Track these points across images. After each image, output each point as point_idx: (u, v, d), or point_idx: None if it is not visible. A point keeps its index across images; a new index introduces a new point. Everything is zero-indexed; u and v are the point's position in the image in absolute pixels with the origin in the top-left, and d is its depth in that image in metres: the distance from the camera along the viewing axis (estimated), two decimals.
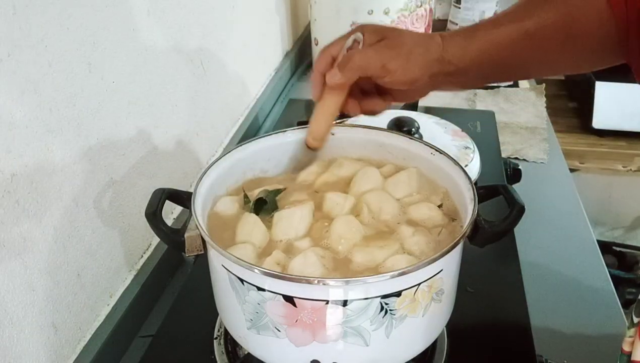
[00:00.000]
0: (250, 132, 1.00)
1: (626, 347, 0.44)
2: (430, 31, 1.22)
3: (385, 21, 1.12)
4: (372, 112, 0.58)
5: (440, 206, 0.53)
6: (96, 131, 0.57)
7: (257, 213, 0.52)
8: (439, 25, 1.43)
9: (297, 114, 1.08)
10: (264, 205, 0.52)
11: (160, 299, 0.68)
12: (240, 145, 0.57)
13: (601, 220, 1.51)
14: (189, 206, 0.48)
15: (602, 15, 0.48)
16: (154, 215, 0.49)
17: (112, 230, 0.61)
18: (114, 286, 0.63)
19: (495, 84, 1.21)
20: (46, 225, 0.50)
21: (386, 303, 0.42)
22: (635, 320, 0.42)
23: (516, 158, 0.96)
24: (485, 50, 0.51)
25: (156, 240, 0.70)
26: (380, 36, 0.53)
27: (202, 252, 0.48)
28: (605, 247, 1.38)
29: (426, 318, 0.45)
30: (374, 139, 0.60)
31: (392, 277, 0.40)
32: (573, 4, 0.49)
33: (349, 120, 0.88)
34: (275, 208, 0.53)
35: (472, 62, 0.52)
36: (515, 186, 0.82)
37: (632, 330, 0.43)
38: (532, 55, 0.52)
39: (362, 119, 0.88)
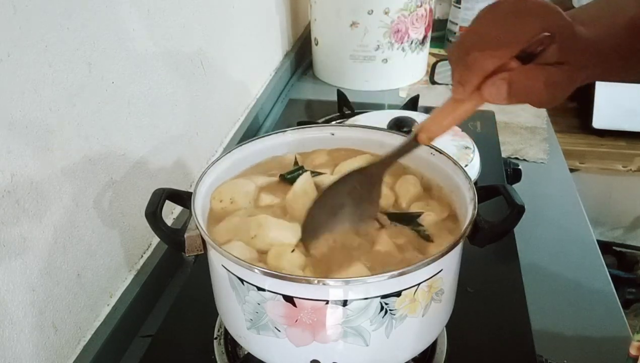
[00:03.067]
0: (250, 132, 1.00)
1: (633, 351, 0.44)
2: (430, 31, 1.22)
3: (385, 21, 1.12)
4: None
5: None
6: (96, 131, 0.57)
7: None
8: (439, 25, 1.43)
9: (297, 114, 1.08)
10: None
11: (160, 299, 0.68)
12: (240, 145, 0.57)
13: (601, 220, 1.51)
14: (189, 206, 0.48)
15: None
16: (154, 215, 0.49)
17: (112, 230, 0.61)
18: (114, 286, 0.63)
19: None
20: (46, 225, 0.50)
21: (386, 303, 0.42)
22: None
23: (516, 158, 0.96)
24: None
25: (156, 240, 0.70)
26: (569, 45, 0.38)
27: (202, 252, 0.48)
28: (605, 247, 1.38)
29: (426, 318, 0.45)
30: (374, 138, 0.60)
31: (392, 277, 0.40)
32: None
33: (351, 120, 0.88)
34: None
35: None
36: (515, 186, 0.82)
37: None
38: None
39: (363, 119, 0.88)
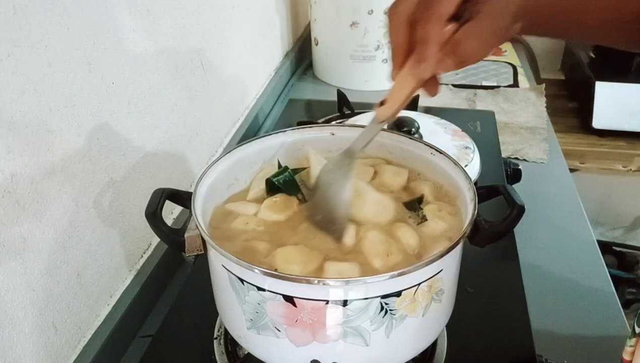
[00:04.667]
0: (250, 132, 1.00)
1: (626, 356, 0.44)
2: None
3: (385, 21, 1.12)
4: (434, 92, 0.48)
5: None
6: (96, 131, 0.57)
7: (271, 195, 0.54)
8: None
9: (297, 114, 1.08)
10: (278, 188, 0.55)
11: (160, 299, 0.68)
12: (240, 145, 0.57)
13: (601, 220, 1.51)
14: (189, 206, 0.48)
15: None
16: (154, 215, 0.49)
17: (112, 230, 0.61)
18: (114, 286, 0.63)
19: (495, 84, 1.21)
20: (46, 225, 0.50)
21: (386, 303, 0.42)
22: (637, 330, 0.42)
23: (516, 158, 0.96)
24: None
25: (156, 240, 0.70)
26: None
27: (202, 252, 0.48)
28: (605, 247, 1.38)
29: (426, 318, 0.45)
30: (374, 138, 0.60)
31: (392, 277, 0.40)
32: None
33: (351, 120, 0.88)
34: (297, 188, 0.55)
35: None
36: (515, 186, 0.82)
37: (633, 339, 0.43)
38: None
39: (363, 119, 0.88)
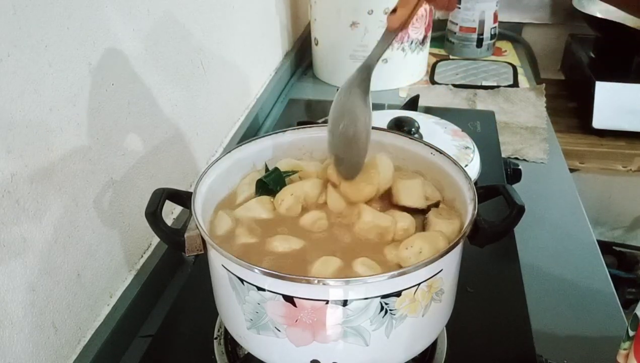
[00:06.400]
0: (250, 132, 1.00)
1: (620, 360, 0.44)
2: (430, 31, 1.22)
3: (385, 21, 1.12)
4: (447, 7, 0.51)
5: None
6: (96, 131, 0.57)
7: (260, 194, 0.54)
8: (439, 25, 1.43)
9: (297, 114, 1.08)
10: (267, 187, 0.55)
11: (160, 299, 0.68)
12: (240, 145, 0.57)
13: (601, 220, 1.51)
14: (189, 206, 0.48)
15: None
16: (154, 215, 0.49)
17: (112, 230, 0.61)
18: (114, 286, 0.63)
19: (495, 84, 1.21)
20: (46, 225, 0.50)
21: (386, 303, 0.42)
22: (631, 333, 0.42)
23: (516, 158, 0.96)
24: None
25: (156, 240, 0.70)
26: None
27: (202, 252, 0.48)
28: (605, 247, 1.38)
29: (426, 318, 0.45)
30: (374, 138, 0.59)
31: (392, 277, 0.40)
32: None
33: None
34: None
35: None
36: (515, 186, 0.82)
37: (627, 343, 0.43)
38: None
39: None
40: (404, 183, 0.53)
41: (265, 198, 0.54)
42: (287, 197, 0.52)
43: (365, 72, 0.49)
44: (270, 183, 0.55)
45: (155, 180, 0.70)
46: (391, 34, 0.48)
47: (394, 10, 0.47)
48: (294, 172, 0.57)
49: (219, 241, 0.49)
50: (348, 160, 0.51)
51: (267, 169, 0.58)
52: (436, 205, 0.54)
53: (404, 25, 0.48)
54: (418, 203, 0.52)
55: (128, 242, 0.65)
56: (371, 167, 0.52)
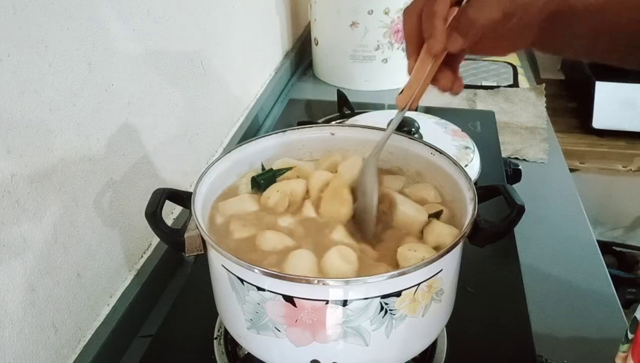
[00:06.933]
0: (250, 132, 1.00)
1: (619, 361, 0.44)
2: None
3: (385, 21, 1.12)
4: (452, 89, 0.53)
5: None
6: (96, 131, 0.57)
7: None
8: None
9: (297, 114, 1.08)
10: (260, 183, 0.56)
11: (160, 299, 0.68)
12: (240, 145, 0.57)
13: (601, 220, 1.51)
14: (189, 206, 0.48)
15: None
16: (154, 215, 0.49)
17: (112, 230, 0.61)
18: (114, 286, 0.63)
19: (495, 84, 1.21)
20: (46, 225, 0.50)
21: (386, 303, 0.42)
22: (630, 336, 0.42)
23: (516, 158, 0.96)
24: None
25: (156, 240, 0.70)
26: None
27: (202, 252, 0.48)
28: (605, 247, 1.38)
29: (426, 318, 0.45)
30: (374, 139, 0.59)
31: (392, 277, 0.40)
32: None
33: (351, 120, 0.88)
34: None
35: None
36: (515, 186, 0.82)
37: (626, 345, 0.43)
38: None
39: (363, 119, 0.88)
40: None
41: (255, 196, 0.56)
42: (274, 194, 0.54)
43: (375, 154, 0.53)
44: (262, 181, 0.56)
45: (155, 180, 0.70)
46: (401, 113, 0.52)
47: (401, 92, 0.51)
48: (287, 170, 0.57)
49: (216, 237, 0.50)
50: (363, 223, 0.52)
51: (263, 169, 0.58)
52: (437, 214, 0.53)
53: (411, 105, 0.51)
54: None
55: (128, 242, 0.65)
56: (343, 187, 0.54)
